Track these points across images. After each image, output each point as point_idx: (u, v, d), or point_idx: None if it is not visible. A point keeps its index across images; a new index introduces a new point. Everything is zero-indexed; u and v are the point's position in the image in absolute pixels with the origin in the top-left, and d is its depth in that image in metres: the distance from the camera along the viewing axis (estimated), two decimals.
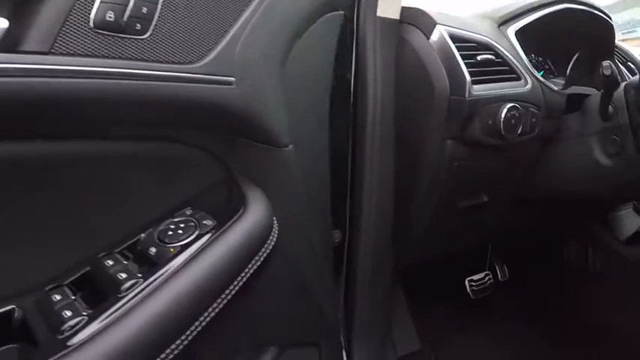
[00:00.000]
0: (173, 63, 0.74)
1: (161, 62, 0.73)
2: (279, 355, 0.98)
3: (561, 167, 1.39)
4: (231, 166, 0.89)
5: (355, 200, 1.32)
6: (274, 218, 0.85)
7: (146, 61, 0.72)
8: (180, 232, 0.79)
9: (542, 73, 1.47)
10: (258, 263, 0.78)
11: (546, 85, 1.32)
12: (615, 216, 1.96)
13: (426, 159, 1.24)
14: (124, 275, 0.72)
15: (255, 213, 0.80)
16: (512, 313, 2.06)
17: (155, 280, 0.69)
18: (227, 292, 0.74)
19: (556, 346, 1.93)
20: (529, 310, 2.07)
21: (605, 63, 1.18)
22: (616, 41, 1.68)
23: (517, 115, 1.20)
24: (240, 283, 0.75)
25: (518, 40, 1.34)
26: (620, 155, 1.28)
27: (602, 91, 1.27)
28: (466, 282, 1.97)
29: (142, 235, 0.81)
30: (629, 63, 1.78)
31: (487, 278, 2.01)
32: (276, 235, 0.83)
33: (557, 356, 1.90)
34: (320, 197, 1.09)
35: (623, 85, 1.29)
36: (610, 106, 1.28)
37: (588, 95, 1.39)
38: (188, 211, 0.84)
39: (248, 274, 0.76)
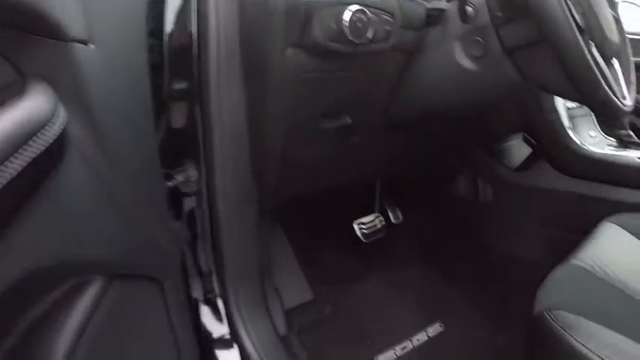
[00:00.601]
0: None
1: None
2: (108, 284, 0.87)
3: (427, 80, 1.31)
4: (19, 64, 0.77)
5: (207, 133, 1.21)
6: (60, 111, 0.74)
7: None
8: None
9: None
10: (31, 154, 0.67)
11: None
12: (504, 146, 1.91)
13: (271, 73, 1.13)
14: None
15: (28, 101, 0.69)
16: (409, 255, 2.00)
17: None
18: None
19: (457, 283, 1.89)
20: (426, 249, 2.01)
21: None
22: None
23: (365, 19, 1.10)
24: (9, 175, 0.64)
25: None
26: (485, 57, 1.21)
27: None
28: (355, 225, 1.88)
29: None
30: None
31: (377, 220, 1.93)
32: (59, 126, 0.72)
33: (459, 293, 1.86)
34: (137, 108, 0.97)
35: None
36: (470, 9, 1.21)
37: None
38: None
39: (17, 165, 0.65)
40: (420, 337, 1.68)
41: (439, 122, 1.52)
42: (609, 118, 1.70)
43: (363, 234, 1.89)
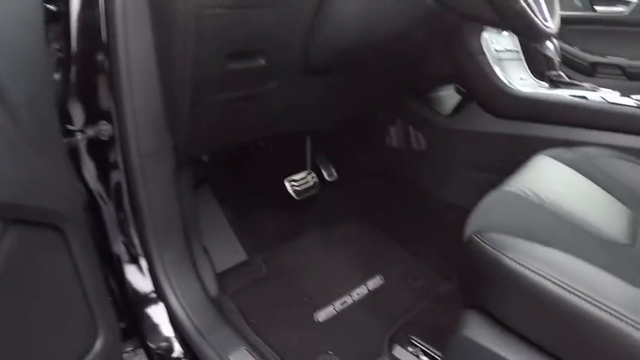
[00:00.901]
0: None
1: None
2: (4, 229, 0.80)
3: (343, 17, 1.24)
4: None
5: (116, 82, 1.14)
6: None
7: None
8: None
9: None
10: None
11: None
12: (436, 95, 1.88)
13: (175, 10, 1.06)
14: None
15: None
16: (345, 211, 1.95)
17: None
18: None
19: (395, 235, 1.85)
20: (362, 204, 1.97)
21: None
22: None
23: None
24: None
25: None
26: None
27: None
28: (286, 183, 1.82)
29: None
30: None
31: (310, 177, 1.88)
32: None
33: (398, 245, 1.84)
34: (32, 51, 0.89)
35: None
36: None
37: None
38: None
39: None
40: (360, 291, 1.63)
41: (364, 67, 1.46)
42: (531, 39, 1.68)
43: (295, 191, 1.83)
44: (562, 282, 0.83)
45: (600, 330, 0.78)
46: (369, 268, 1.72)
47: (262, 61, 1.21)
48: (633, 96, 1.59)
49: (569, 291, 0.82)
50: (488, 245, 0.92)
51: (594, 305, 0.79)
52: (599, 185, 1.25)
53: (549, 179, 1.22)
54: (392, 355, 1.16)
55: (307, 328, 1.50)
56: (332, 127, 1.81)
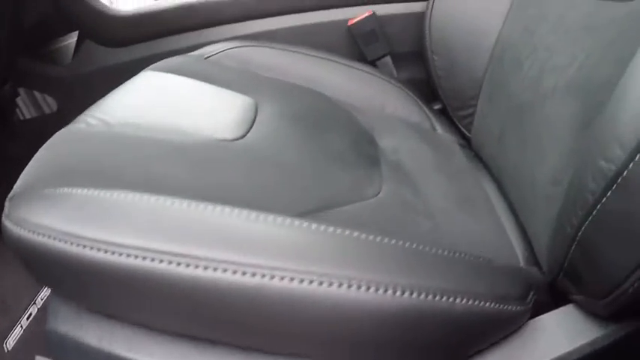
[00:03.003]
0: None
1: None
2: None
3: None
4: None
5: None
6: None
7: None
8: None
9: None
10: None
11: None
12: (56, 47, 1.66)
13: None
14: None
15: None
16: None
17: None
18: None
19: None
20: None
21: None
22: None
23: None
24: None
25: None
26: None
27: None
28: None
29: None
30: None
31: None
32: None
33: None
34: None
35: None
36: None
37: None
38: None
39: None
40: None
41: None
42: None
43: None
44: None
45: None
46: None
47: None
48: None
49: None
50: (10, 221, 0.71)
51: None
52: (213, 83, 1.11)
53: (136, 96, 1.04)
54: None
55: None
56: None
